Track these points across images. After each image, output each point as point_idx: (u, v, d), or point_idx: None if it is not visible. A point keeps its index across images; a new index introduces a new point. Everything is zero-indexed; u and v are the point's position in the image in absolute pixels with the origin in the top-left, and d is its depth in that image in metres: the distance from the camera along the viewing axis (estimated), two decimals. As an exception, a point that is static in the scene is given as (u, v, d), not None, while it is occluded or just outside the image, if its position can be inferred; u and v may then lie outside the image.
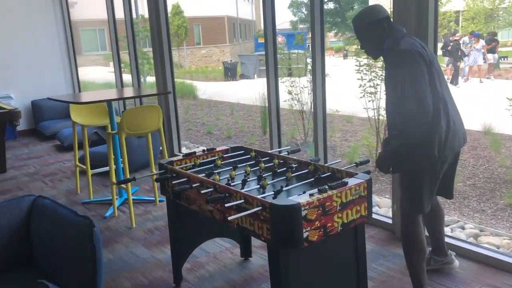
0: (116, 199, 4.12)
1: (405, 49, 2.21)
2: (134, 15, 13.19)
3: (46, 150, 6.64)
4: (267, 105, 4.29)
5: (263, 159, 2.72)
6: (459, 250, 2.96)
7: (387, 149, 2.36)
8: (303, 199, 1.93)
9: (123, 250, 3.35)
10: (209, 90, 13.85)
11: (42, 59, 7.83)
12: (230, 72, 18.04)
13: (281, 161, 2.66)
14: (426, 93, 2.15)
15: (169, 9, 26.34)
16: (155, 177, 3.02)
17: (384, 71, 2.51)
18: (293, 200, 1.91)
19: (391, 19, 2.42)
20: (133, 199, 4.06)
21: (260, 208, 1.95)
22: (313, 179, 2.30)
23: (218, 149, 2.96)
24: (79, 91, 8.33)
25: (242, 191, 2.11)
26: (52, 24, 7.89)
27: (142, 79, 8.56)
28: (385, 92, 2.41)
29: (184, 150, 6.59)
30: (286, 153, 2.96)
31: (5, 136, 5.58)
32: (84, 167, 4.42)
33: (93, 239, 1.99)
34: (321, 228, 1.95)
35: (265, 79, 4.19)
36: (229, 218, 2.02)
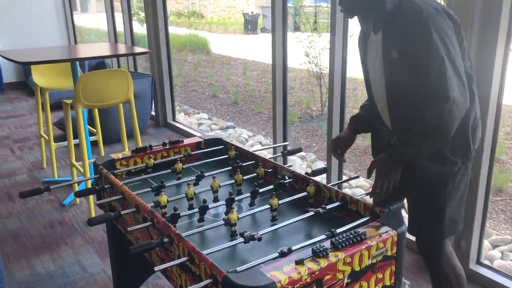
0: (81, 181, 3.35)
1: (428, 6, 1.44)
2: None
3: (29, 109, 5.91)
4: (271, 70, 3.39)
5: (244, 164, 1.87)
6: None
7: (402, 152, 1.49)
8: (283, 271, 1.09)
9: (68, 259, 2.59)
10: (225, 44, 12.79)
11: (35, 6, 6.95)
12: (250, 25, 16.81)
13: (270, 170, 1.80)
14: (462, 70, 1.44)
15: (192, -46, 24.95)
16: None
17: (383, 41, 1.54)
18: (264, 276, 1.07)
19: None
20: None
21: (209, 281, 1.12)
22: (311, 213, 1.44)
23: (186, 141, 2.11)
24: (75, 43, 7.49)
25: (192, 233, 1.29)
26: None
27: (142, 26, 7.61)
28: (384, 72, 1.56)
29: (182, 117, 5.77)
30: (281, 153, 2.11)
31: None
32: (47, 138, 3.64)
33: None
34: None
35: (288, 34, 3.31)
36: (156, 268, 1.21)
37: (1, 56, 3.11)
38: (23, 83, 7.02)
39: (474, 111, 1.57)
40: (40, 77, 3.62)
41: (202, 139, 2.13)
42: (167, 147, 2.05)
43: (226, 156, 1.99)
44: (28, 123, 5.27)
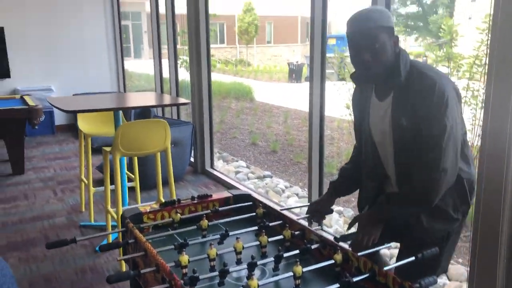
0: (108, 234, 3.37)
1: (446, 82, 1.55)
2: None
3: (76, 151, 6.12)
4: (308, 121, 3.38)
5: (271, 224, 1.81)
6: None
7: (387, 210, 1.64)
8: None
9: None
10: (269, 92, 12.99)
11: (88, 52, 7.39)
12: (294, 74, 17.06)
13: (297, 233, 1.73)
14: (459, 140, 1.60)
15: (241, 6, 26.04)
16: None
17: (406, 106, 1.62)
18: None
19: None
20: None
21: None
22: (337, 285, 1.36)
23: (214, 196, 2.09)
24: (124, 89, 7.83)
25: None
26: (101, 16, 7.43)
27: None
28: (393, 136, 1.66)
29: (220, 164, 5.80)
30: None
31: (26, 134, 5.09)
32: (86, 181, 3.73)
33: None
34: None
35: (331, 84, 3.32)
36: None
37: (50, 103, 3.26)
38: (73, 125, 7.34)
39: (471, 171, 1.68)
40: (84, 123, 3.76)
41: (230, 195, 2.10)
42: (195, 201, 2.03)
43: (254, 214, 1.94)
44: (73, 165, 5.45)
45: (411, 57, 1.66)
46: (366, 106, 1.75)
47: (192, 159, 5.13)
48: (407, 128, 1.58)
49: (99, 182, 4.58)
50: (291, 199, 4.58)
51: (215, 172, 4.97)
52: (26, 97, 5.52)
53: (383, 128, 1.68)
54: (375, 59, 1.57)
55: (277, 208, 2.00)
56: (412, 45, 30.47)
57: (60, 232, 3.56)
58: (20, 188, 4.64)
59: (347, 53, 1.72)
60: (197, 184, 4.71)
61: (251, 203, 2.06)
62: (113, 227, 3.38)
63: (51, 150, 6.18)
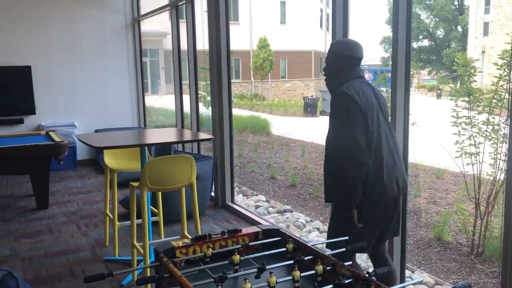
0: (142, 268, 3.41)
1: (343, 91, 2.34)
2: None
3: (97, 185, 6.23)
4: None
5: (304, 258, 1.83)
6: None
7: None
8: None
9: None
10: (285, 126, 13.10)
11: (109, 88, 7.62)
12: (310, 108, 17.22)
13: (329, 268, 1.75)
14: (357, 129, 2.25)
15: (256, 42, 26.61)
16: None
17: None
18: None
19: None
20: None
21: None
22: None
23: (244, 231, 2.12)
24: (144, 124, 8.00)
25: None
26: (123, 54, 7.69)
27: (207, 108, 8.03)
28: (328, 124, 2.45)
29: (240, 198, 5.83)
30: (344, 249, 2.05)
31: (50, 169, 5.20)
32: (111, 216, 3.79)
33: None
34: None
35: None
36: None
37: (79, 140, 3.37)
38: (94, 160, 7.49)
39: (367, 164, 2.26)
40: (110, 159, 3.85)
41: (260, 229, 2.13)
42: (226, 236, 2.06)
43: (284, 249, 1.97)
44: (95, 200, 5.53)
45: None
46: None
47: (212, 193, 5.18)
48: (329, 120, 2.43)
49: (121, 216, 4.65)
50: (312, 233, 4.57)
51: (235, 206, 5.00)
52: (51, 133, 5.69)
53: None
54: (326, 67, 2.50)
55: (308, 243, 2.02)
56: (425, 79, 30.61)
57: (85, 267, 3.60)
58: (44, 222, 4.72)
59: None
60: (218, 218, 4.74)
61: (280, 238, 2.09)
62: (138, 261, 3.42)
63: (73, 185, 6.30)
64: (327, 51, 2.53)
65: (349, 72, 2.41)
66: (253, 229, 2.16)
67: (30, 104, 7.00)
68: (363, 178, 2.24)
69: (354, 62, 2.43)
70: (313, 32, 28.47)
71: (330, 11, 31.23)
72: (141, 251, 3.12)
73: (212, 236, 2.04)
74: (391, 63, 3.02)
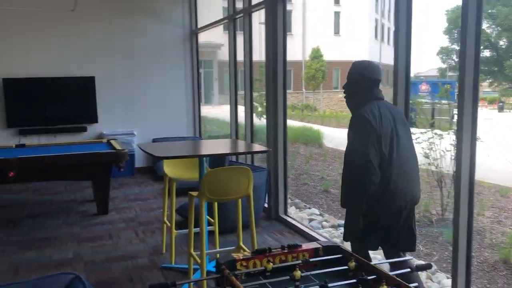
0: (203, 279, 3.45)
1: (360, 113, 2.58)
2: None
3: (154, 193, 6.41)
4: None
5: (368, 278, 1.78)
6: None
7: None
8: None
9: None
10: (338, 138, 12.92)
11: (167, 98, 7.85)
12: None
13: (394, 289, 1.69)
14: (370, 148, 2.50)
15: (308, 52, 26.57)
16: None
17: None
18: None
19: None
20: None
21: None
22: None
23: (304, 246, 2.10)
24: (200, 134, 8.16)
25: None
26: (181, 66, 7.91)
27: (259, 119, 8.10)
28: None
29: (293, 210, 5.80)
30: (409, 269, 1.98)
31: (111, 176, 5.41)
32: (169, 224, 3.88)
33: None
34: None
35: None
36: None
37: (141, 149, 3.48)
38: (151, 168, 7.71)
39: (372, 181, 2.54)
40: (170, 168, 3.94)
41: (320, 245, 2.10)
42: (286, 250, 2.05)
43: (346, 267, 1.93)
44: (151, 207, 5.68)
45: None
46: None
47: (266, 205, 5.18)
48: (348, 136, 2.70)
49: (178, 224, 4.74)
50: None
51: (289, 219, 4.97)
52: (112, 141, 5.92)
53: None
54: (346, 86, 2.73)
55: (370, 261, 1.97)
56: (486, 91, 29.27)
57: (143, 273, 3.70)
58: (105, 227, 4.90)
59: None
60: (271, 231, 4.73)
61: (341, 255, 2.05)
62: (194, 270, 3.46)
63: (131, 192, 6.51)
64: (381, 64, 2.58)
65: (368, 93, 2.63)
66: (313, 244, 2.13)
67: (93, 113, 7.34)
68: (370, 193, 2.54)
69: (373, 84, 2.65)
70: (367, 43, 28.07)
71: (385, 21, 30.71)
72: (198, 260, 3.16)
73: (272, 250, 2.03)
74: (455, 74, 2.93)
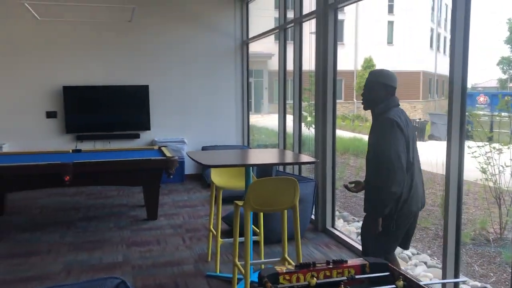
0: (241, 281, 3.44)
1: (390, 118, 2.69)
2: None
3: (202, 200, 6.48)
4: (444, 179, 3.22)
5: (415, 299, 1.70)
6: None
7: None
8: None
9: None
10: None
11: (217, 107, 7.96)
12: (417, 132, 16.39)
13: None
14: (401, 151, 2.63)
15: (360, 62, 26.16)
16: None
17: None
18: None
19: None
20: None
21: None
22: None
23: (350, 262, 2.03)
24: (248, 143, 8.19)
25: None
26: (231, 75, 8.01)
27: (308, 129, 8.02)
28: (368, 143, 2.83)
29: (341, 223, 5.67)
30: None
31: (161, 182, 5.52)
32: (215, 232, 3.89)
33: None
34: None
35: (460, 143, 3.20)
36: None
37: (189, 157, 3.52)
38: (200, 175, 7.83)
39: (404, 182, 2.68)
40: (217, 176, 3.97)
41: (367, 262, 2.03)
42: (331, 266, 1.99)
43: (393, 286, 1.84)
44: (199, 214, 5.75)
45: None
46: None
47: (312, 217, 5.10)
48: (371, 140, 2.82)
49: (224, 233, 4.76)
50: (418, 268, 4.26)
51: (336, 232, 4.86)
52: (163, 148, 6.06)
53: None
54: (365, 95, 2.85)
55: (420, 281, 1.88)
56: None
57: (189, 280, 3.73)
58: (153, 233, 5.00)
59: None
60: (317, 243, 4.64)
61: (389, 273, 1.96)
62: (239, 280, 3.45)
63: (180, 198, 6.62)
64: (436, 73, 2.45)
65: (390, 100, 2.78)
66: (360, 261, 2.05)
67: (146, 121, 7.56)
68: (399, 195, 2.66)
69: (393, 92, 2.81)
70: (422, 52, 27.27)
71: (441, 30, 29.74)
72: (242, 270, 3.15)
73: (317, 264, 1.98)
74: (511, 85, 2.76)
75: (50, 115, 7.24)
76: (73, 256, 4.26)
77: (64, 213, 5.81)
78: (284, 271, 1.94)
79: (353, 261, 2.06)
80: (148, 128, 7.60)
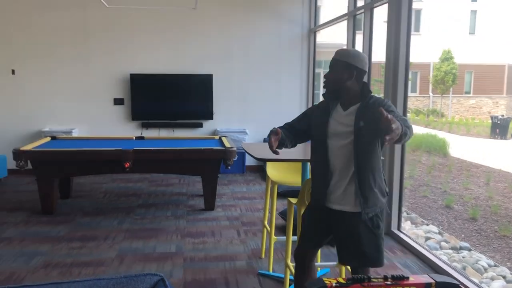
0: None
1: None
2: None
3: (261, 193, 6.32)
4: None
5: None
6: None
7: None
8: None
9: None
10: (466, 147, 11.70)
11: (281, 98, 7.74)
12: (498, 129, 15.14)
13: None
14: None
15: (438, 54, 24.68)
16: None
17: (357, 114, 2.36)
18: None
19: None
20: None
21: None
22: None
23: (412, 279, 1.73)
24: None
25: None
26: (297, 65, 7.74)
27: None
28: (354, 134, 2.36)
29: (408, 226, 5.26)
30: None
31: (219, 172, 5.42)
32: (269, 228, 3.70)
33: None
34: None
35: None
36: None
37: (243, 149, 3.35)
38: (261, 167, 7.67)
39: None
40: (272, 170, 3.77)
41: (433, 281, 1.72)
42: (388, 282, 1.71)
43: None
44: (257, 207, 5.59)
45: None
46: (327, 117, 2.44)
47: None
48: (363, 127, 2.32)
49: (280, 229, 4.57)
50: (496, 282, 3.80)
51: (402, 235, 4.48)
52: (223, 138, 5.95)
53: (343, 129, 2.37)
54: (331, 74, 2.45)
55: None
56: None
57: (240, 277, 3.57)
58: (209, 224, 4.91)
59: None
60: (380, 246, 4.29)
61: (459, 296, 1.65)
62: (291, 281, 3.24)
63: (239, 189, 6.50)
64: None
65: (365, 86, 2.50)
66: (424, 278, 1.75)
67: (209, 110, 7.51)
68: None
69: (361, 76, 2.50)
70: (508, 44, 25.19)
71: (532, 19, 27.28)
72: (293, 272, 2.92)
73: (372, 279, 1.71)
74: None
75: (117, 102, 7.41)
76: (128, 244, 4.27)
77: (126, 199, 5.89)
78: (333, 284, 1.68)
79: (416, 278, 1.76)
80: (211, 118, 7.56)
